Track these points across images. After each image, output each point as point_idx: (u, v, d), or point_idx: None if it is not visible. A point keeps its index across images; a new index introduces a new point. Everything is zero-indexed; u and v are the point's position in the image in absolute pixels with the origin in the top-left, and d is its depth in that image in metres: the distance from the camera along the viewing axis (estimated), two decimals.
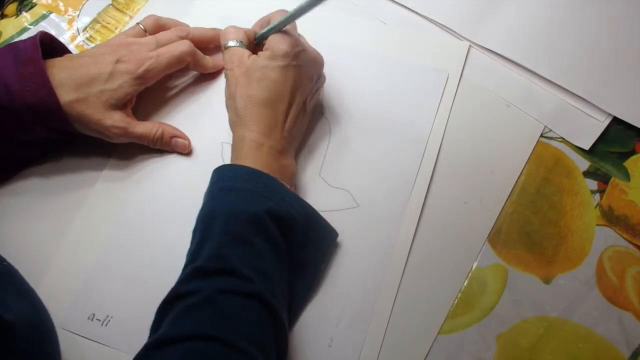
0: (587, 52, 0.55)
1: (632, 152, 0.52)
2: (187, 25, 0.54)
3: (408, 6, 0.57)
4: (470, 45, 0.55)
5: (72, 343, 0.44)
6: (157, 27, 0.52)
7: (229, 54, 0.48)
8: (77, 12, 0.59)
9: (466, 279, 0.47)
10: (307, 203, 0.45)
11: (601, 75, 0.54)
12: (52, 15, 0.59)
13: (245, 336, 0.36)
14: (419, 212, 0.48)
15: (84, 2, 0.60)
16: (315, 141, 0.51)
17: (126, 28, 0.58)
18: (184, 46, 0.50)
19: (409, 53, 0.55)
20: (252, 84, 0.45)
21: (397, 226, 0.48)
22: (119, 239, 0.48)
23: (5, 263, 0.40)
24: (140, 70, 0.48)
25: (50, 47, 0.47)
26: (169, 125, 0.51)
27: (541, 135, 0.52)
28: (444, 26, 0.56)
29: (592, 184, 0.50)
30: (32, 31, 0.58)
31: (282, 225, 0.42)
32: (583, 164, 0.51)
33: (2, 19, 0.59)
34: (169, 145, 0.50)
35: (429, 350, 0.44)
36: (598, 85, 0.53)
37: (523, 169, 0.51)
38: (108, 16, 0.59)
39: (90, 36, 0.58)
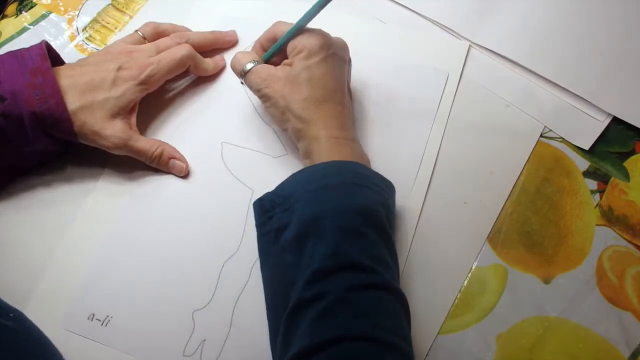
0: (587, 52, 0.55)
1: (632, 152, 0.52)
2: (187, 29, 0.54)
3: (408, 6, 0.57)
4: (470, 45, 0.55)
5: (72, 343, 0.44)
6: (156, 34, 0.52)
7: (254, 75, 0.46)
8: (77, 12, 0.59)
9: (466, 279, 0.47)
10: (390, 183, 0.45)
11: (601, 75, 0.54)
12: (52, 15, 0.59)
13: (388, 329, 0.35)
14: (419, 212, 0.48)
15: (83, 2, 0.60)
16: None
17: (126, 28, 0.58)
18: (184, 50, 0.50)
19: (409, 53, 0.55)
20: (303, 87, 0.44)
21: (397, 226, 0.48)
22: (119, 239, 0.48)
23: (12, 314, 0.36)
24: (143, 76, 0.48)
25: (50, 56, 0.47)
26: (170, 145, 0.50)
27: (541, 135, 0.52)
28: (444, 26, 0.56)
29: (592, 184, 0.50)
30: (32, 31, 0.58)
31: (387, 212, 0.42)
32: (583, 164, 0.51)
33: (2, 18, 0.59)
34: (166, 166, 0.49)
35: (429, 350, 0.44)
36: (598, 85, 0.53)
37: (523, 169, 0.51)
38: (108, 16, 0.59)
39: (90, 36, 0.58)
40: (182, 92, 0.54)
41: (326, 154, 0.43)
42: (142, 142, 0.48)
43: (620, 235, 0.48)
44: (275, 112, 0.46)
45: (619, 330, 0.45)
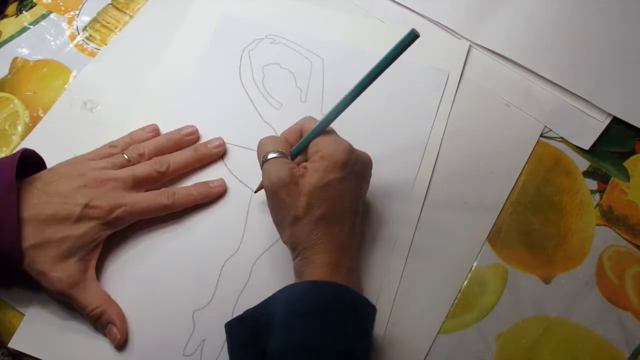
0: (587, 52, 0.55)
1: (632, 152, 0.52)
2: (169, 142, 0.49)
3: (408, 6, 0.57)
4: (470, 45, 0.55)
5: (72, 343, 0.44)
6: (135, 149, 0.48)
7: (275, 167, 0.41)
8: (77, 12, 0.59)
9: (466, 279, 0.47)
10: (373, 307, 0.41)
11: (601, 75, 0.54)
12: (52, 15, 0.59)
13: None
14: (419, 212, 0.48)
15: (83, 2, 0.60)
16: None
17: (126, 28, 0.58)
18: (164, 200, 0.46)
19: (409, 53, 0.54)
20: (320, 205, 0.40)
21: (397, 226, 0.48)
22: (118, 238, 0.48)
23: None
24: (111, 217, 0.44)
25: (30, 157, 0.45)
26: (116, 309, 0.44)
27: (541, 135, 0.52)
28: (444, 26, 0.56)
29: (592, 184, 0.50)
30: (32, 31, 0.58)
31: (366, 345, 0.39)
32: (583, 163, 0.51)
33: (2, 18, 0.59)
34: (102, 329, 0.44)
35: (429, 350, 0.44)
36: (598, 85, 0.53)
37: (523, 169, 0.51)
38: (108, 15, 0.59)
39: (90, 35, 0.57)
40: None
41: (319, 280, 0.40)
42: (85, 295, 0.43)
43: (620, 235, 0.48)
44: (278, 218, 0.42)
45: (619, 330, 0.45)
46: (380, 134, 0.51)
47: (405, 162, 0.50)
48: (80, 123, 0.53)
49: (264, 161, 0.42)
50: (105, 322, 0.44)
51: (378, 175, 0.49)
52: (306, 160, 0.43)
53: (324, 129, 0.43)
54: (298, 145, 0.44)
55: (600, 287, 0.46)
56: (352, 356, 0.36)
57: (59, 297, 0.44)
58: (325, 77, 0.54)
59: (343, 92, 0.53)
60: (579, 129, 0.52)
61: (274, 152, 0.42)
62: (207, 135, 0.51)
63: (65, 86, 0.55)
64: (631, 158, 0.51)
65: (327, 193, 0.40)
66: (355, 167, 0.42)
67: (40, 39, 0.57)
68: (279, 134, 0.51)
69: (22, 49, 0.57)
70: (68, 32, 0.58)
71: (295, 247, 0.42)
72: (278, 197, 0.41)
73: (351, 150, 0.42)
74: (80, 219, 0.43)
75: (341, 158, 0.41)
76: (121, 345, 0.44)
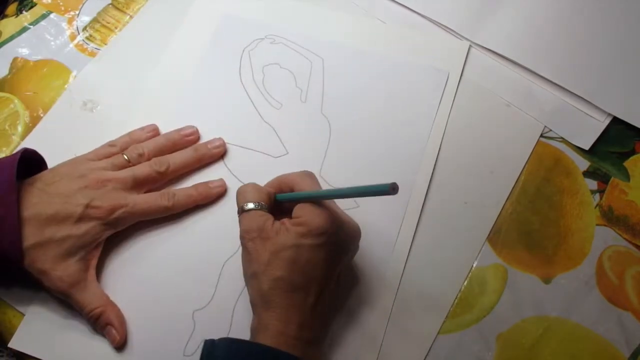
0: (587, 52, 0.55)
1: (632, 152, 0.52)
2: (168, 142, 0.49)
3: (408, 6, 0.57)
4: (470, 45, 0.55)
5: (72, 342, 0.44)
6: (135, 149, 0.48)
7: (248, 219, 0.41)
8: (77, 12, 0.59)
9: (466, 278, 0.47)
10: None
11: (601, 75, 0.54)
12: (52, 15, 0.59)
13: None
14: (419, 212, 0.48)
15: (83, 2, 0.60)
16: (315, 141, 0.51)
17: (126, 28, 0.58)
18: (164, 201, 0.46)
19: (409, 53, 0.55)
20: (282, 265, 0.38)
21: (397, 226, 0.48)
22: (118, 238, 0.48)
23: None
24: (112, 217, 0.44)
25: (31, 157, 0.45)
26: (115, 310, 0.44)
27: (541, 135, 0.52)
28: (444, 26, 0.56)
29: (592, 184, 0.50)
30: (32, 31, 0.58)
31: None
32: (583, 164, 0.51)
33: (2, 18, 0.59)
34: (102, 329, 0.44)
35: (429, 350, 0.44)
36: (598, 85, 0.53)
37: (523, 169, 0.51)
38: (108, 15, 0.59)
39: (90, 35, 0.58)
40: None
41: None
42: (84, 295, 0.43)
43: (620, 235, 0.48)
44: (246, 270, 0.41)
45: (619, 330, 0.45)
46: (380, 134, 0.51)
47: (405, 162, 0.50)
48: (80, 123, 0.53)
49: (241, 211, 0.42)
50: (104, 323, 0.44)
51: (378, 175, 0.50)
52: (289, 217, 0.41)
53: (315, 198, 0.41)
54: (288, 195, 0.43)
55: (600, 287, 0.46)
56: None
57: (59, 296, 0.44)
58: (325, 77, 0.54)
59: (344, 93, 0.53)
60: (579, 129, 0.52)
61: (252, 202, 0.42)
62: (207, 135, 0.51)
63: (65, 86, 0.55)
64: (631, 158, 0.52)
65: (293, 257, 0.38)
66: (334, 238, 0.39)
67: (40, 39, 0.57)
68: (279, 134, 0.51)
69: (22, 49, 0.57)
70: (68, 32, 0.58)
71: (252, 305, 0.40)
72: (246, 248, 0.41)
73: (333, 220, 0.39)
74: (81, 218, 0.43)
75: (319, 226, 0.39)
76: (120, 346, 0.44)
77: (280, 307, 0.38)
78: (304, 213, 0.40)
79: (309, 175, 0.43)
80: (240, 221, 0.42)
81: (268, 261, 0.39)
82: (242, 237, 0.41)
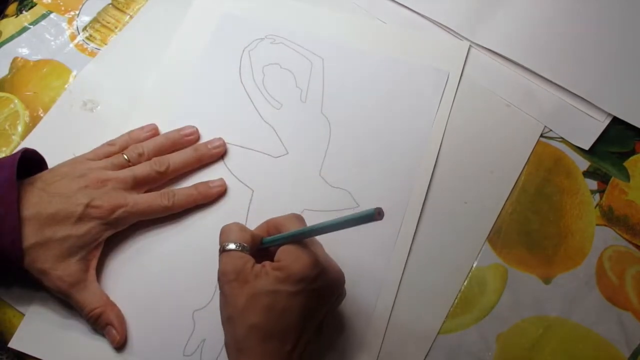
0: (587, 52, 0.55)
1: (632, 152, 0.52)
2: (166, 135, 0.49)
3: (408, 6, 0.57)
4: (470, 45, 0.55)
5: (72, 342, 0.44)
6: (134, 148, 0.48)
7: (226, 260, 0.39)
8: (77, 12, 0.59)
9: (466, 278, 0.47)
10: None
11: (601, 75, 0.54)
12: (52, 15, 0.59)
13: None
14: (419, 212, 0.48)
15: (84, 2, 0.59)
16: (315, 141, 0.51)
17: (126, 28, 0.58)
18: (165, 201, 0.46)
19: (409, 53, 0.55)
20: (258, 311, 0.37)
21: (397, 226, 0.48)
22: (118, 238, 0.48)
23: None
24: (113, 217, 0.44)
25: (32, 157, 0.44)
26: (115, 310, 0.44)
27: (541, 135, 0.52)
28: (444, 26, 0.56)
29: (592, 184, 0.50)
30: (32, 31, 0.58)
31: None
32: (583, 164, 0.51)
33: (2, 18, 0.59)
34: (102, 329, 0.44)
35: (429, 350, 0.44)
36: (598, 85, 0.53)
37: (523, 169, 0.51)
38: (108, 15, 0.59)
39: (90, 35, 0.58)
40: None
41: None
42: (84, 295, 0.43)
43: (620, 235, 0.48)
44: (222, 312, 0.39)
45: (619, 330, 0.45)
46: (380, 134, 0.51)
47: (405, 162, 0.50)
48: (80, 123, 0.53)
49: (221, 251, 0.40)
50: (104, 323, 0.44)
51: (378, 175, 0.50)
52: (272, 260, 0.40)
53: (300, 237, 0.39)
54: (272, 238, 0.41)
55: (600, 287, 0.46)
56: None
57: (59, 296, 0.44)
58: (325, 77, 0.54)
59: (344, 93, 0.53)
60: (579, 129, 0.52)
61: (234, 243, 0.40)
62: (207, 135, 0.51)
63: (65, 86, 0.55)
64: (631, 158, 0.52)
65: (270, 303, 0.37)
66: (315, 285, 0.38)
67: (40, 39, 0.57)
68: (278, 134, 0.51)
69: (22, 48, 0.57)
70: (68, 32, 0.58)
71: (227, 348, 0.39)
72: (223, 291, 0.39)
73: (314, 265, 0.38)
74: (81, 218, 0.43)
75: (298, 272, 0.37)
76: (120, 346, 0.44)
77: (255, 355, 0.37)
78: (285, 257, 0.38)
79: (297, 218, 0.42)
80: (219, 261, 0.40)
81: (244, 306, 0.37)
82: (219, 279, 0.39)
